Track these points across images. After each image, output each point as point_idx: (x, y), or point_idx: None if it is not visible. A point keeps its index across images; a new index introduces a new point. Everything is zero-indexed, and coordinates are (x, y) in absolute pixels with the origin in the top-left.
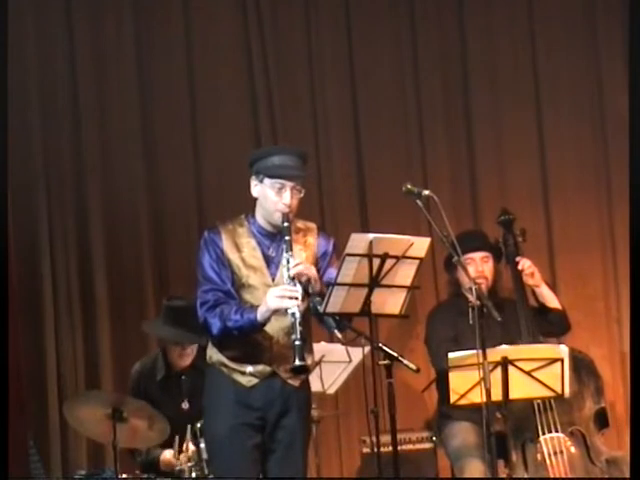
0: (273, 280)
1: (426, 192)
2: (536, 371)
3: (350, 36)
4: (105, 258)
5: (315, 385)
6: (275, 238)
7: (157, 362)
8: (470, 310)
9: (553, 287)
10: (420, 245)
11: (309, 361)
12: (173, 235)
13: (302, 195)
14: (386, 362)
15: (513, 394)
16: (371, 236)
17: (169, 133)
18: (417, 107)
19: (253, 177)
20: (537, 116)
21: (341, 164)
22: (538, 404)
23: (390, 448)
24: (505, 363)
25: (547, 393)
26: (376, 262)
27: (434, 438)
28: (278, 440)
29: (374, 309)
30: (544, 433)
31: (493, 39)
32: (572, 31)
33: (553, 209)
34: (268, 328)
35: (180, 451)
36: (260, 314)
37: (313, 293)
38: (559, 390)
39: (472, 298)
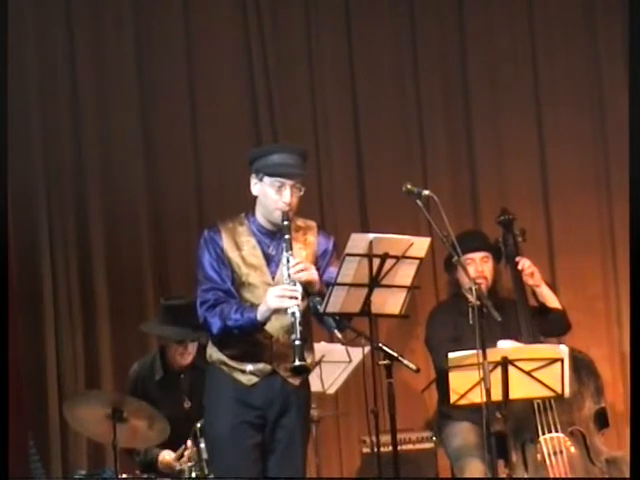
0: (273, 279)
1: (426, 192)
2: (536, 371)
3: (350, 36)
4: (105, 258)
5: (315, 385)
6: (275, 236)
7: (155, 362)
8: (470, 310)
9: (553, 287)
10: (420, 245)
11: (309, 360)
12: (173, 235)
13: (302, 193)
14: (386, 362)
15: (513, 394)
16: (371, 236)
17: (169, 133)
18: (417, 107)
19: (253, 175)
20: (537, 116)
21: (341, 164)
22: (538, 404)
23: (390, 448)
24: (505, 363)
25: (547, 393)
26: (376, 262)
27: (434, 438)
28: (278, 439)
29: (374, 309)
30: (544, 433)
31: (493, 39)
32: (572, 31)
33: (553, 209)
34: (268, 327)
35: (182, 454)
36: (260, 313)
37: (313, 293)
38: (559, 390)
39: (472, 298)
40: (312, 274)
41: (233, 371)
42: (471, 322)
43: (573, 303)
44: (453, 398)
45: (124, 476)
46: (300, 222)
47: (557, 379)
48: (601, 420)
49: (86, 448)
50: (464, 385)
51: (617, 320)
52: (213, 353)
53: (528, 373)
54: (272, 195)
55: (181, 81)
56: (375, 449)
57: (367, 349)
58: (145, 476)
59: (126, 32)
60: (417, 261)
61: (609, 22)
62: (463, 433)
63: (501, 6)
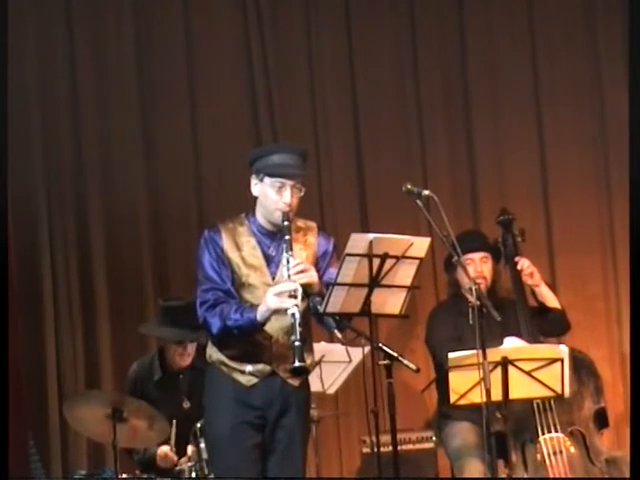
0: (273, 279)
1: (426, 192)
2: (536, 371)
3: (350, 36)
4: (105, 258)
5: (315, 385)
6: (275, 237)
7: (154, 363)
8: (470, 310)
9: (553, 287)
10: (420, 245)
11: (309, 361)
12: (173, 235)
13: (302, 194)
14: (386, 362)
15: (513, 394)
16: (371, 236)
17: (169, 133)
18: (417, 107)
19: (253, 176)
20: (537, 116)
21: (341, 164)
22: (538, 404)
23: (390, 448)
24: (505, 363)
25: (547, 393)
26: (376, 262)
27: (434, 438)
28: (278, 440)
29: (374, 309)
30: (544, 433)
31: (493, 39)
32: (572, 31)
33: (553, 209)
34: (268, 327)
35: (181, 451)
36: (260, 314)
37: (313, 294)
38: (559, 390)
39: (472, 298)
40: (312, 275)
41: (233, 372)
42: (471, 322)
43: (573, 303)
44: (453, 398)
45: (124, 476)
46: (300, 223)
47: (557, 379)
48: (601, 420)
49: (86, 448)
50: (464, 385)
51: (617, 320)
52: (213, 353)
53: (528, 373)
54: (272, 196)
55: (181, 81)
56: (375, 449)
57: (367, 349)
58: (145, 476)
59: (126, 32)
60: (417, 261)
61: (609, 22)
62: (463, 433)
63: (501, 6)
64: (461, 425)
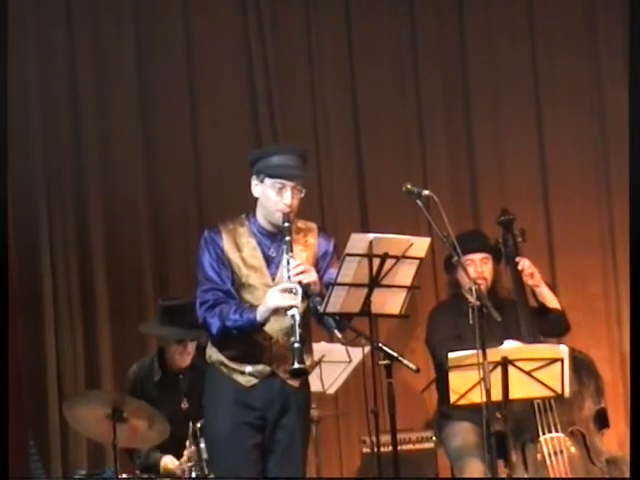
0: (273, 280)
1: (426, 192)
2: (536, 371)
3: (350, 36)
4: (105, 258)
5: (315, 385)
6: (276, 238)
7: (153, 363)
8: (470, 310)
9: (553, 287)
10: (420, 245)
11: (308, 362)
12: (173, 235)
13: (303, 195)
14: (386, 362)
15: (513, 394)
16: (371, 236)
17: (169, 133)
18: (417, 107)
19: (254, 177)
20: (537, 116)
21: (341, 164)
22: (538, 404)
23: (390, 448)
24: (505, 363)
25: (547, 393)
26: (376, 262)
27: (434, 438)
28: (278, 440)
29: (374, 309)
30: (544, 433)
31: (493, 39)
32: (572, 31)
33: (553, 209)
34: (267, 328)
35: (181, 454)
36: (259, 314)
37: (313, 294)
38: (559, 390)
39: (472, 298)
40: (312, 276)
41: (232, 372)
42: (471, 322)
43: (573, 303)
44: (453, 398)
45: (124, 476)
46: (301, 224)
47: (557, 379)
48: (601, 420)
49: (86, 448)
50: (464, 385)
51: (617, 320)
52: (212, 354)
53: (528, 373)
54: (273, 197)
55: (181, 81)
56: (375, 449)
57: (367, 349)
58: (145, 476)
59: (126, 32)
60: (417, 261)
61: (609, 22)
62: (463, 433)
63: (501, 6)
64: (461, 425)
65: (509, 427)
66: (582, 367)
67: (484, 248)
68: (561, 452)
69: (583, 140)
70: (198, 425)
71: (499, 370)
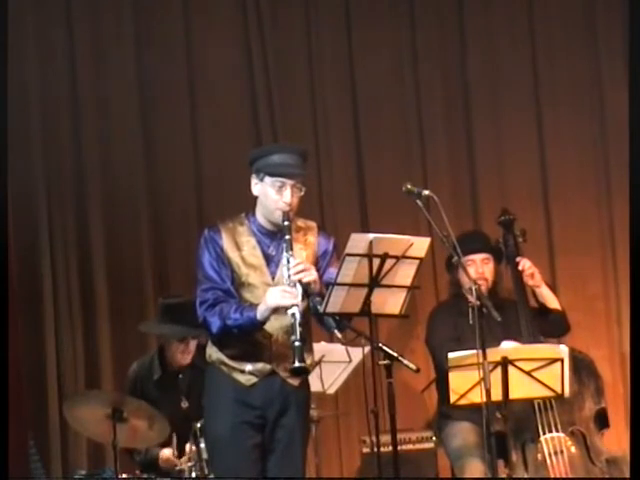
0: (273, 279)
1: (426, 192)
2: (536, 371)
3: (350, 36)
4: (105, 258)
5: (315, 385)
6: (275, 237)
7: (153, 362)
8: (470, 310)
9: (553, 287)
10: (420, 245)
11: (309, 361)
12: (173, 235)
13: (302, 193)
14: (386, 362)
15: (513, 394)
16: (371, 236)
17: (169, 133)
18: (417, 107)
19: (253, 175)
20: (537, 116)
21: (341, 164)
22: (538, 404)
23: (390, 448)
24: (505, 363)
25: (547, 393)
26: (376, 262)
27: (434, 438)
28: (277, 439)
29: (374, 309)
30: (544, 433)
31: (493, 39)
32: (572, 31)
33: (553, 209)
34: (268, 327)
35: (180, 450)
36: (259, 313)
37: (313, 293)
38: (559, 390)
39: (472, 298)
40: (312, 275)
41: (232, 371)
42: (471, 322)
43: (573, 303)
44: (453, 398)
45: (124, 476)
46: (300, 222)
47: (557, 379)
48: (601, 420)
49: (86, 448)
50: (464, 385)
51: (617, 320)
52: (213, 353)
53: (528, 373)
54: (273, 195)
55: (181, 81)
56: (375, 449)
57: (367, 349)
58: (145, 476)
59: (126, 32)
60: (417, 261)
61: (609, 22)
62: (463, 433)
63: (501, 6)
64: (461, 425)
65: (509, 427)
66: (582, 367)
67: (485, 248)
68: (561, 452)
69: (583, 140)
70: (198, 425)
71: (499, 370)
